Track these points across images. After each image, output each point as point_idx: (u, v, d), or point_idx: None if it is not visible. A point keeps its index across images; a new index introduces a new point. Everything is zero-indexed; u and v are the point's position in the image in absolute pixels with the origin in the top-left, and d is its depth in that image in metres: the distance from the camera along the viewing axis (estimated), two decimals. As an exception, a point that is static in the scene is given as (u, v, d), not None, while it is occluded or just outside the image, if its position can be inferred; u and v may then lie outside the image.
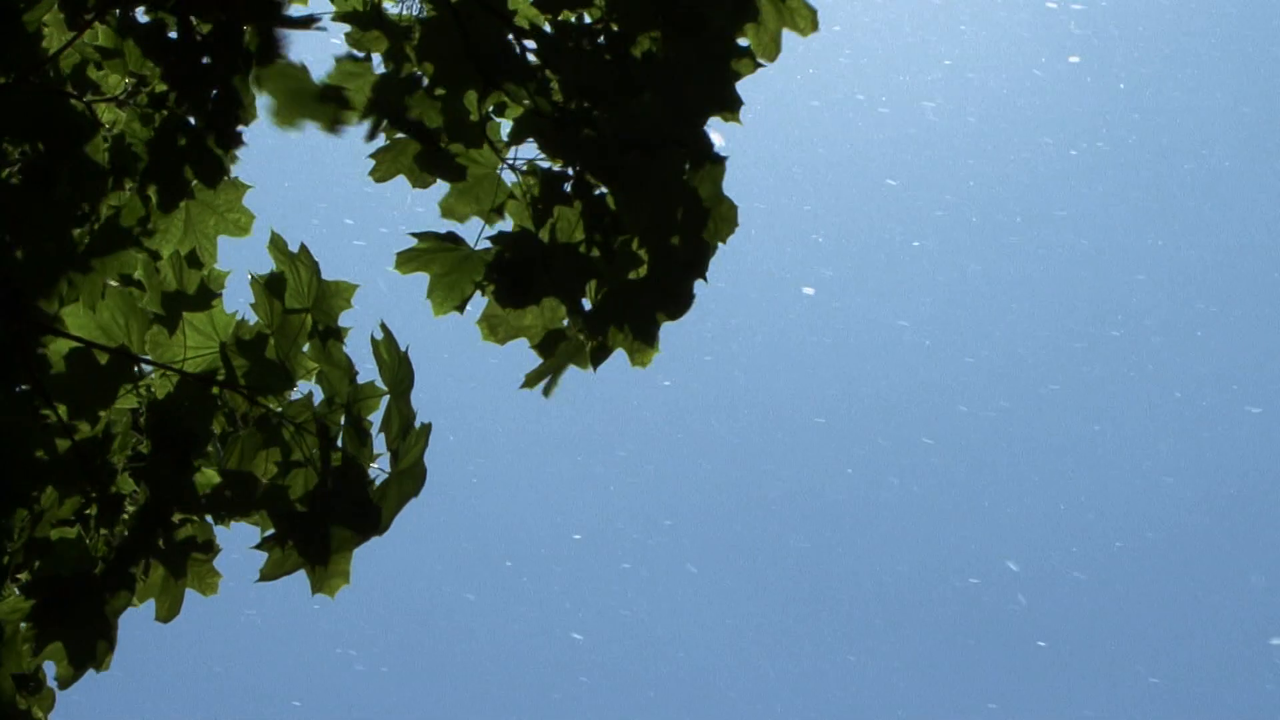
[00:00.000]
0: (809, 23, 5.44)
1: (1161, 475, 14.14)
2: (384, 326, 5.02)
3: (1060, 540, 14.16)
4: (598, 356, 5.27)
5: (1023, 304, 14.35)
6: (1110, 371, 14.31)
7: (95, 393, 5.01)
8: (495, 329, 5.25)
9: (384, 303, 5.31)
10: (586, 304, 5.24)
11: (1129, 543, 13.94)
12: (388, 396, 5.00)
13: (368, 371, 6.18)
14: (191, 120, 5.11)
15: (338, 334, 5.07)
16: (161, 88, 5.14)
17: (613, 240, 5.26)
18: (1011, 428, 14.34)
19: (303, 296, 5.10)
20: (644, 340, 5.25)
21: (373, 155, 5.40)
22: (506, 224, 5.33)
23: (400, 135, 5.39)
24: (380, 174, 5.43)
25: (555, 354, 5.26)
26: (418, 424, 4.93)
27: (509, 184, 5.32)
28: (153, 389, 5.07)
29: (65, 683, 4.84)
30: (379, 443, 4.98)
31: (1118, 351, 14.30)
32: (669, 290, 5.26)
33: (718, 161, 5.28)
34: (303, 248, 5.07)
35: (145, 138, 5.17)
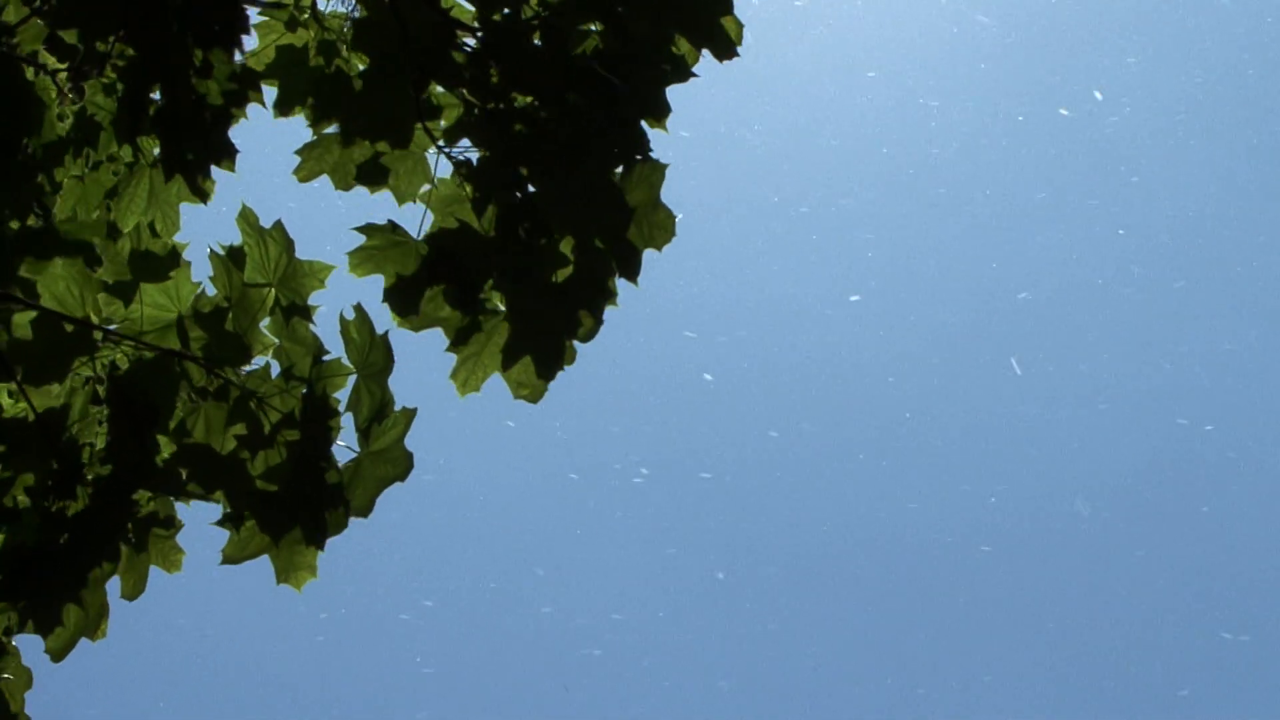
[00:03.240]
0: (727, 49, 5.36)
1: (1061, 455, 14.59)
2: (357, 308, 5.03)
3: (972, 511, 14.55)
4: (507, 361, 5.22)
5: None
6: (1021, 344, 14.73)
7: (54, 362, 4.97)
8: (411, 316, 5.18)
9: (377, 286, 5.25)
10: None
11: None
12: (354, 376, 5.01)
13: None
14: (156, 93, 5.08)
15: (305, 311, 5.06)
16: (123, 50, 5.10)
17: (536, 238, 5.22)
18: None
19: (267, 271, 5.09)
20: (543, 367, 5.18)
21: (298, 152, 5.36)
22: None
23: (327, 131, 5.36)
24: (305, 173, 5.38)
25: (469, 343, 5.21)
26: (398, 408, 4.94)
27: (435, 176, 5.29)
28: (116, 361, 5.04)
29: (56, 655, 4.79)
30: (347, 421, 5.00)
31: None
32: (586, 292, 5.24)
33: (656, 166, 5.22)
34: (277, 224, 5.05)
35: (110, 109, 5.13)
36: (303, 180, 5.38)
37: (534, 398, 5.20)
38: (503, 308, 5.19)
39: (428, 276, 5.13)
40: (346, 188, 5.37)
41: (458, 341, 5.15)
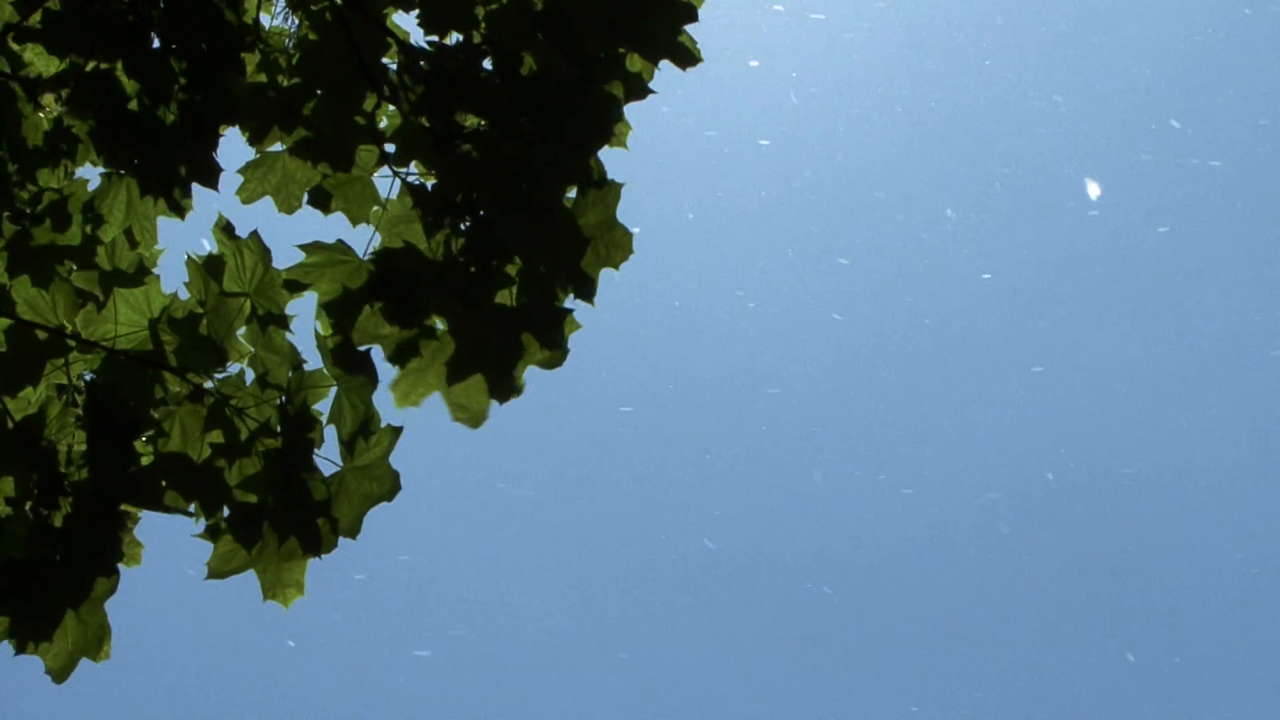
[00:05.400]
0: (689, 58, 5.37)
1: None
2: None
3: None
4: (454, 376, 5.16)
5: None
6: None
7: (28, 369, 4.94)
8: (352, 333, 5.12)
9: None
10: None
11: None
12: (335, 388, 5.01)
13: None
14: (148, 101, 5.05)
15: (282, 321, 5.06)
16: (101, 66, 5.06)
17: (490, 263, 5.17)
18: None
19: (243, 281, 5.08)
20: (497, 389, 5.13)
21: (241, 171, 5.32)
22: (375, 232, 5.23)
23: (270, 150, 5.31)
24: (247, 194, 5.33)
25: (415, 360, 5.16)
26: (384, 424, 4.94)
27: (386, 198, 5.26)
28: (90, 368, 5.01)
29: (58, 676, 4.76)
30: (330, 434, 5.00)
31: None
32: (540, 318, 5.19)
33: (612, 187, 5.21)
34: (253, 234, 5.04)
35: (88, 122, 5.08)
36: (245, 201, 5.32)
37: (474, 423, 5.16)
38: (442, 327, 5.14)
39: (371, 294, 5.09)
40: (290, 210, 5.33)
41: (397, 358, 5.12)
